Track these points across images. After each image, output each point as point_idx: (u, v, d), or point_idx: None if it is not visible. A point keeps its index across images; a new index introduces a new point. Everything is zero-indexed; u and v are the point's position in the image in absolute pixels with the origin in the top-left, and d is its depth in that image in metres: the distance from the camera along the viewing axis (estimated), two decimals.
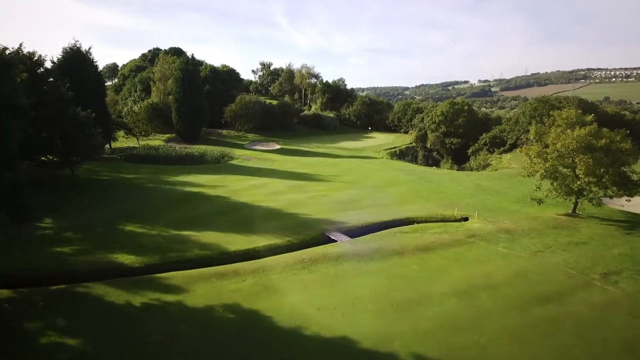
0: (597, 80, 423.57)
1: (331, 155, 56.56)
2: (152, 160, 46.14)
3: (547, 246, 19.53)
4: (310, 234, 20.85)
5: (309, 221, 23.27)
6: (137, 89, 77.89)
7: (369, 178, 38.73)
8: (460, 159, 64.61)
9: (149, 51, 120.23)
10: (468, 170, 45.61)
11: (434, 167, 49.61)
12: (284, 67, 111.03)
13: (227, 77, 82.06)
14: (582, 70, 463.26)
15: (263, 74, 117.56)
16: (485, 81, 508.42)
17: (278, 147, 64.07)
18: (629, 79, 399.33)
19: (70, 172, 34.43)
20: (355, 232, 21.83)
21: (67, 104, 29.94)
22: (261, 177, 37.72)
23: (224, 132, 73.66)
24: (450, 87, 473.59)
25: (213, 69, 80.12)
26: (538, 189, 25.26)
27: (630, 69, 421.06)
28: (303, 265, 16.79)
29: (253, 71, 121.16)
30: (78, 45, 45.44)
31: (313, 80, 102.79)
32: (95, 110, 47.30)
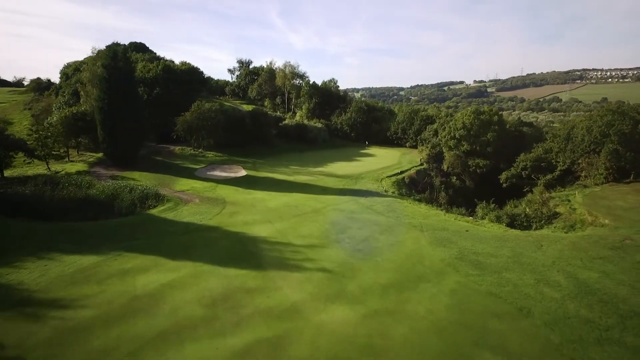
0: (594, 81, 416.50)
1: (314, 188, 39.62)
2: (21, 211, 28.38)
3: None
4: None
5: None
6: (66, 93, 60.14)
7: (371, 257, 21.83)
8: (489, 187, 48.18)
9: (107, 46, 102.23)
10: (526, 228, 28.93)
11: (466, 215, 32.98)
12: (265, 66, 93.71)
13: (186, 77, 64.68)
14: (578, 70, 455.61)
15: (240, 74, 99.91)
16: (481, 82, 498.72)
17: (244, 173, 46.99)
18: (625, 80, 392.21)
19: None
20: None
21: None
22: (175, 261, 20.55)
23: (177, 149, 56.38)
24: (445, 88, 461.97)
25: (167, 67, 62.65)
26: None
27: (626, 69, 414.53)
28: None
29: (229, 70, 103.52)
30: None
31: (298, 82, 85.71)
32: None
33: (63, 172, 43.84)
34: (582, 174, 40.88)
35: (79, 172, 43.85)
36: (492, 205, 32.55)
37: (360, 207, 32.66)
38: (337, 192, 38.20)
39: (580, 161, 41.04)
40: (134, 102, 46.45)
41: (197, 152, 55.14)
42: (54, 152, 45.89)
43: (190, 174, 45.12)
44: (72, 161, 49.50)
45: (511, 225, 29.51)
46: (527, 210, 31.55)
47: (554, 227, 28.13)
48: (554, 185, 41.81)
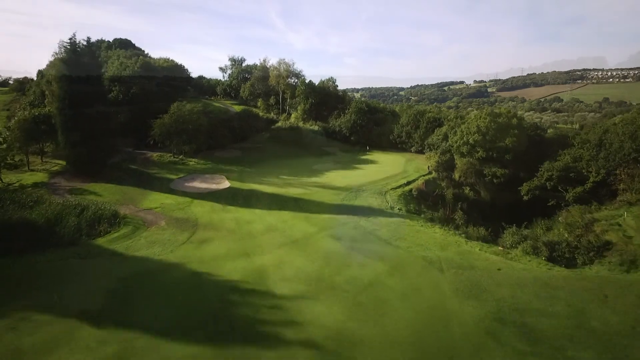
0: (594, 81, 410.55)
1: (306, 204, 33.61)
2: None
3: None
4: None
5: None
6: (31, 93, 54.02)
7: (377, 317, 15.81)
8: (508, 200, 42.30)
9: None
10: (570, 262, 22.96)
11: (488, 239, 27.15)
12: (258, 64, 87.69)
13: (168, 75, 58.58)
14: (579, 70, 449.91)
15: (232, 73, 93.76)
16: (481, 81, 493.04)
17: (227, 184, 40.94)
18: (627, 80, 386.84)
19: None
20: None
21: None
22: (101, 329, 14.49)
23: (155, 156, 50.27)
24: (445, 88, 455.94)
25: (146, 64, 56.58)
26: None
27: (627, 69, 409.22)
28: None
29: (221, 69, 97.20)
30: None
31: (293, 81, 79.61)
32: None
33: (17, 185, 37.84)
34: (620, 187, 34.92)
35: (36, 184, 37.86)
36: (525, 231, 26.51)
37: (362, 232, 26.61)
38: (334, 210, 32.18)
39: (618, 172, 35.05)
40: (101, 102, 40.44)
41: (177, 159, 49.05)
42: (8, 162, 39.71)
43: (164, 186, 39.07)
44: (32, 170, 43.35)
45: (550, 257, 23.51)
46: (567, 236, 25.57)
47: (609, 262, 22.12)
48: (587, 200, 35.82)
